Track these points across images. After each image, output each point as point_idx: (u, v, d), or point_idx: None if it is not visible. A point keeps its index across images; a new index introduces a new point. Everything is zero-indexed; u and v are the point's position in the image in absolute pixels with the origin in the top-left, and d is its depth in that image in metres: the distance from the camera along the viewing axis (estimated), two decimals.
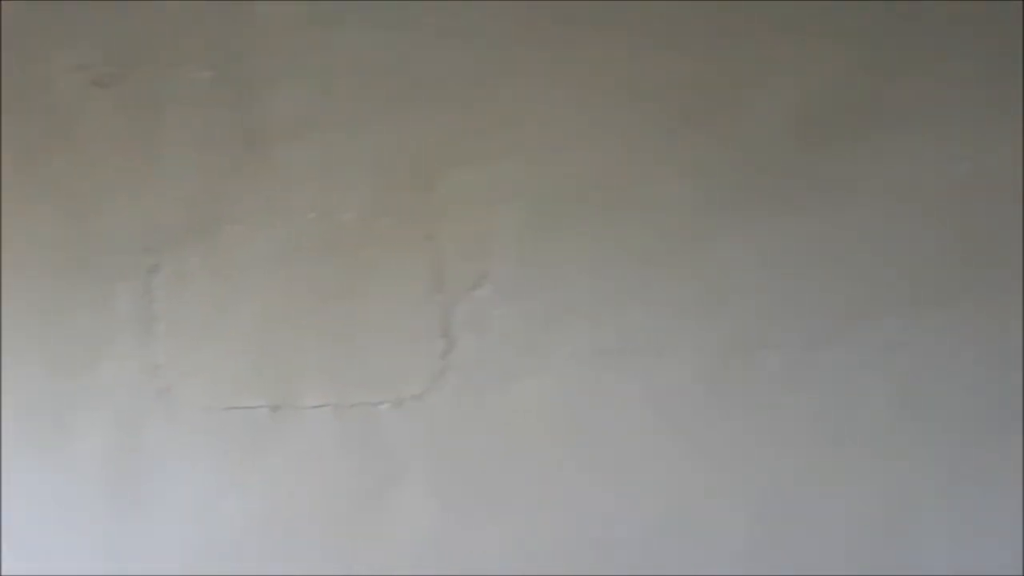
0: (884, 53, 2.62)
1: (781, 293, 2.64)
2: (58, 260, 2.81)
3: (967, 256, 2.59)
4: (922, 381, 2.58)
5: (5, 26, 2.65)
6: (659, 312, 2.67)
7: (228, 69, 2.74)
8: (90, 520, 2.75)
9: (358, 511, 2.71)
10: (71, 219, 2.80)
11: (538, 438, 2.68)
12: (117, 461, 2.75)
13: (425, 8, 2.72)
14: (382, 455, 2.72)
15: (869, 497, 2.58)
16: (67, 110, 2.78)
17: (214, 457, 2.75)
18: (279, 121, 2.74)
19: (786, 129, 2.65)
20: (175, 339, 2.78)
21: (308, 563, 2.70)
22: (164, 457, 2.76)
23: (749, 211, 2.65)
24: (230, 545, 2.72)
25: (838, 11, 2.63)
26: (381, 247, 2.75)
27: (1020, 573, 2.39)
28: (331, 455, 2.73)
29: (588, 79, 2.71)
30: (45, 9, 2.76)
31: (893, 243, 2.62)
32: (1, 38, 2.75)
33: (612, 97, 2.71)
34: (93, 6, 2.74)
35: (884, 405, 2.58)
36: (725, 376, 2.64)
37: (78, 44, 2.75)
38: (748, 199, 2.65)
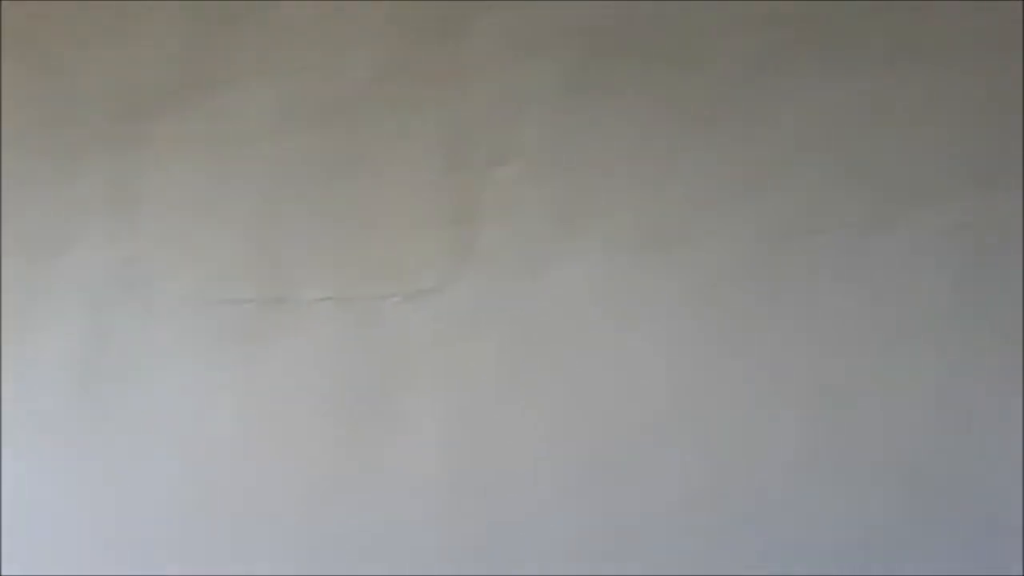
0: None
1: (839, 169, 2.27)
2: (20, 124, 2.46)
3: None
4: (987, 269, 2.21)
5: None
6: (703, 192, 2.31)
7: None
8: (58, 435, 2.46)
9: (363, 418, 2.39)
10: (36, 76, 2.47)
11: (567, 337, 2.34)
12: (88, 362, 2.45)
13: None
14: (391, 355, 2.39)
15: (925, 398, 2.22)
16: None
17: (200, 358, 2.45)
18: None
19: None
20: (156, 222, 2.45)
21: (305, 476, 2.40)
22: (143, 358, 2.45)
23: (805, 73, 2.28)
24: (217, 458, 2.42)
25: None
26: (392, 113, 2.37)
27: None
28: (333, 355, 2.41)
29: None
30: None
31: (964, 110, 2.23)
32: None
33: None
34: None
35: (945, 297, 2.22)
36: (770, 265, 2.29)
37: None
38: (810, 57, 2.28)
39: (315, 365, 2.41)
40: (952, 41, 2.23)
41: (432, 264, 2.38)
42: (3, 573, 2.44)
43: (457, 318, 2.37)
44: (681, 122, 2.32)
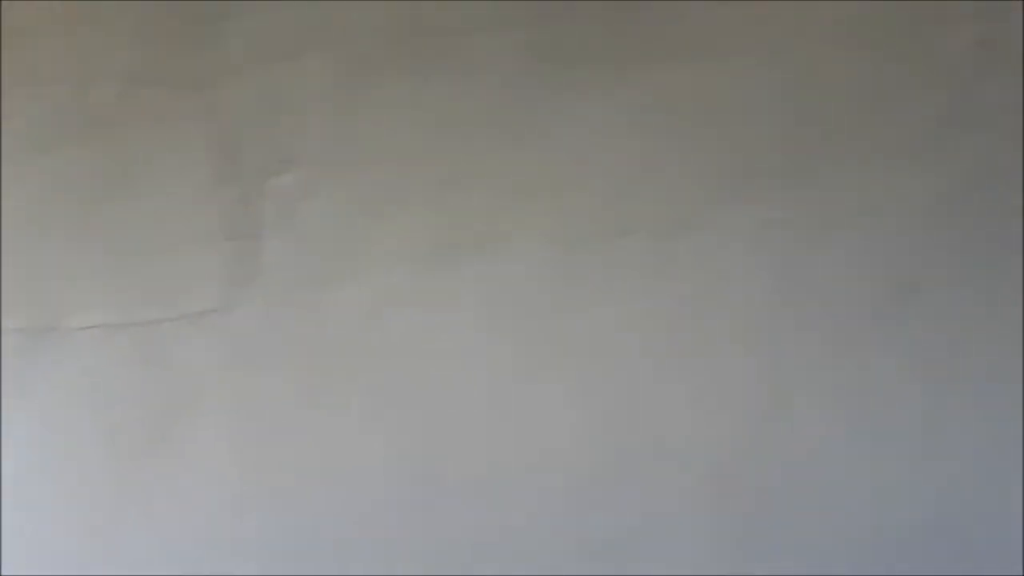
0: None
1: (641, 168, 2.18)
2: None
3: (855, 116, 2.14)
4: (800, 263, 2.16)
5: None
6: (499, 197, 2.21)
7: None
8: None
9: (146, 450, 2.25)
10: None
11: (361, 353, 2.23)
12: None
13: None
14: (174, 382, 2.25)
15: (741, 400, 2.17)
16: None
17: None
18: None
19: None
20: None
21: (82, 511, 2.26)
22: None
23: (600, 68, 2.16)
24: None
25: None
26: (154, 125, 2.18)
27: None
28: (111, 384, 2.26)
29: None
30: None
31: (768, 103, 2.16)
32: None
33: None
34: None
35: (758, 294, 2.17)
36: (573, 269, 2.19)
37: None
38: (598, 53, 2.16)
39: (91, 395, 2.26)
40: (753, 35, 2.16)
41: (213, 283, 2.24)
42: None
43: (243, 339, 2.25)
44: (469, 123, 2.22)
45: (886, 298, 2.19)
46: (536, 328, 2.21)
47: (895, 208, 2.18)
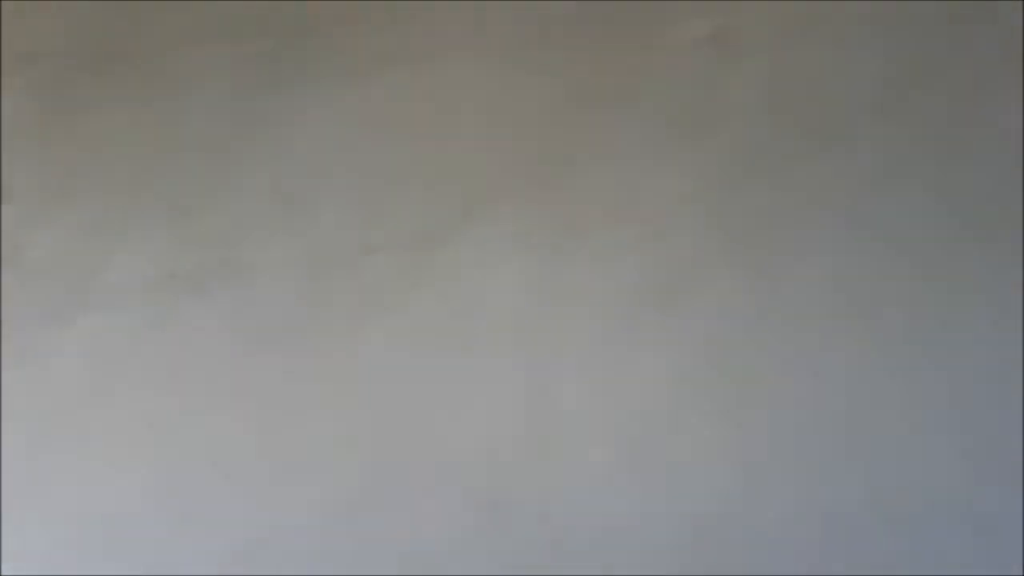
0: None
1: (383, 182, 2.14)
2: None
3: (598, 116, 2.12)
4: (557, 272, 2.13)
5: None
6: (237, 219, 2.15)
7: None
8: None
9: None
10: None
11: (100, 393, 2.14)
12: None
13: None
14: None
15: (509, 411, 2.13)
16: None
17: None
18: None
19: None
20: None
21: None
22: None
23: (335, 76, 2.12)
24: None
25: None
26: None
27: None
28: None
29: None
30: None
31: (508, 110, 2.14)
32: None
33: None
34: None
35: (516, 303, 2.13)
36: (322, 292, 2.14)
37: None
38: (331, 61, 2.13)
39: None
40: (486, 36, 2.13)
41: None
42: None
43: None
44: (197, 142, 2.14)
45: (646, 301, 2.15)
46: (288, 353, 2.14)
47: (646, 209, 2.15)
